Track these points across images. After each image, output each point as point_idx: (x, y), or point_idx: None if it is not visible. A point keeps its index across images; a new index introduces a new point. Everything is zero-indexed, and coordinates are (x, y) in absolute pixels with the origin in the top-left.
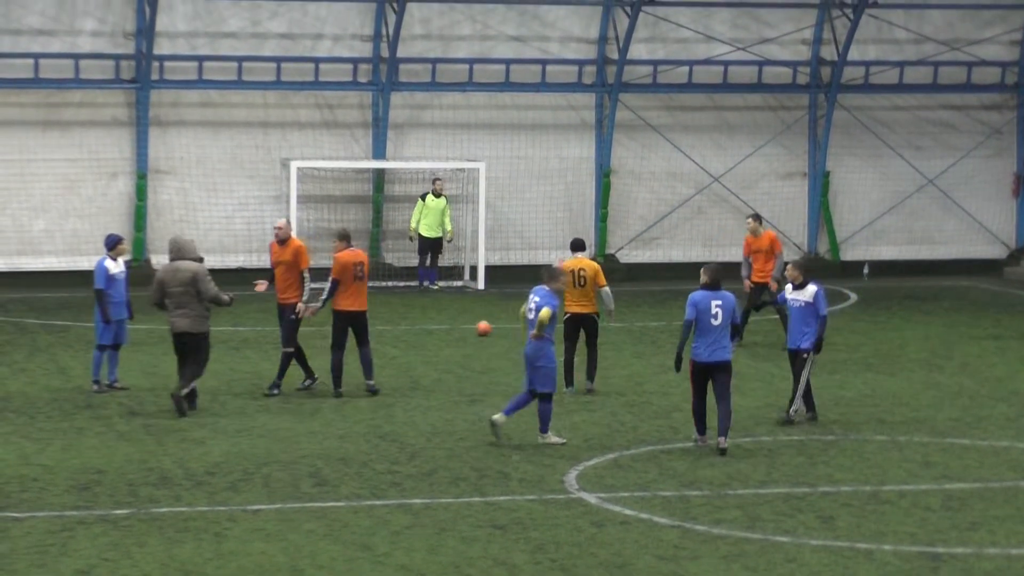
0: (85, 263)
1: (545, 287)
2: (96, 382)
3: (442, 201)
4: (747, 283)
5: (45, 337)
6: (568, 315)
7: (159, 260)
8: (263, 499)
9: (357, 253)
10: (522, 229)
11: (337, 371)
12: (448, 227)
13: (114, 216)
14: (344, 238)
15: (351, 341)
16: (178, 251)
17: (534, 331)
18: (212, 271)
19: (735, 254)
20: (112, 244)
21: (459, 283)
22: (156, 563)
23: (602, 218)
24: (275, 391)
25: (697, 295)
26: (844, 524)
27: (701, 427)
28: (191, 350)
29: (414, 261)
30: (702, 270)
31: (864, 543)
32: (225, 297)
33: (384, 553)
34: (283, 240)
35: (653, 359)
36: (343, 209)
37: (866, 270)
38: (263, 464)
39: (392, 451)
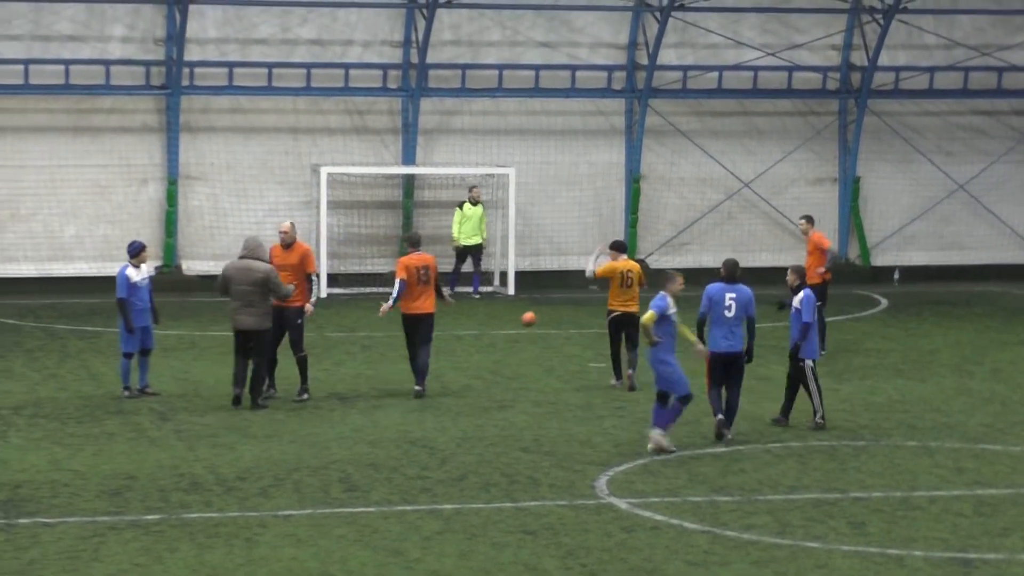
0: (115, 269)
1: (663, 292)
2: (127, 388)
3: (479, 209)
4: None
5: (76, 343)
6: (614, 314)
7: (189, 265)
8: (294, 504)
9: (423, 257)
10: (552, 235)
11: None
12: (484, 234)
13: (144, 222)
14: (414, 243)
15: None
16: (254, 251)
17: (646, 338)
18: None
19: (765, 259)
20: (135, 251)
21: (489, 288)
22: (187, 569)
23: (632, 224)
24: (304, 396)
25: (713, 287)
26: (875, 530)
27: (718, 406)
28: (255, 347)
29: (448, 267)
30: (721, 264)
31: (895, 549)
32: (290, 287)
33: (415, 559)
34: (288, 244)
35: (683, 364)
36: (373, 215)
37: (896, 275)
38: (293, 469)
39: (422, 457)
